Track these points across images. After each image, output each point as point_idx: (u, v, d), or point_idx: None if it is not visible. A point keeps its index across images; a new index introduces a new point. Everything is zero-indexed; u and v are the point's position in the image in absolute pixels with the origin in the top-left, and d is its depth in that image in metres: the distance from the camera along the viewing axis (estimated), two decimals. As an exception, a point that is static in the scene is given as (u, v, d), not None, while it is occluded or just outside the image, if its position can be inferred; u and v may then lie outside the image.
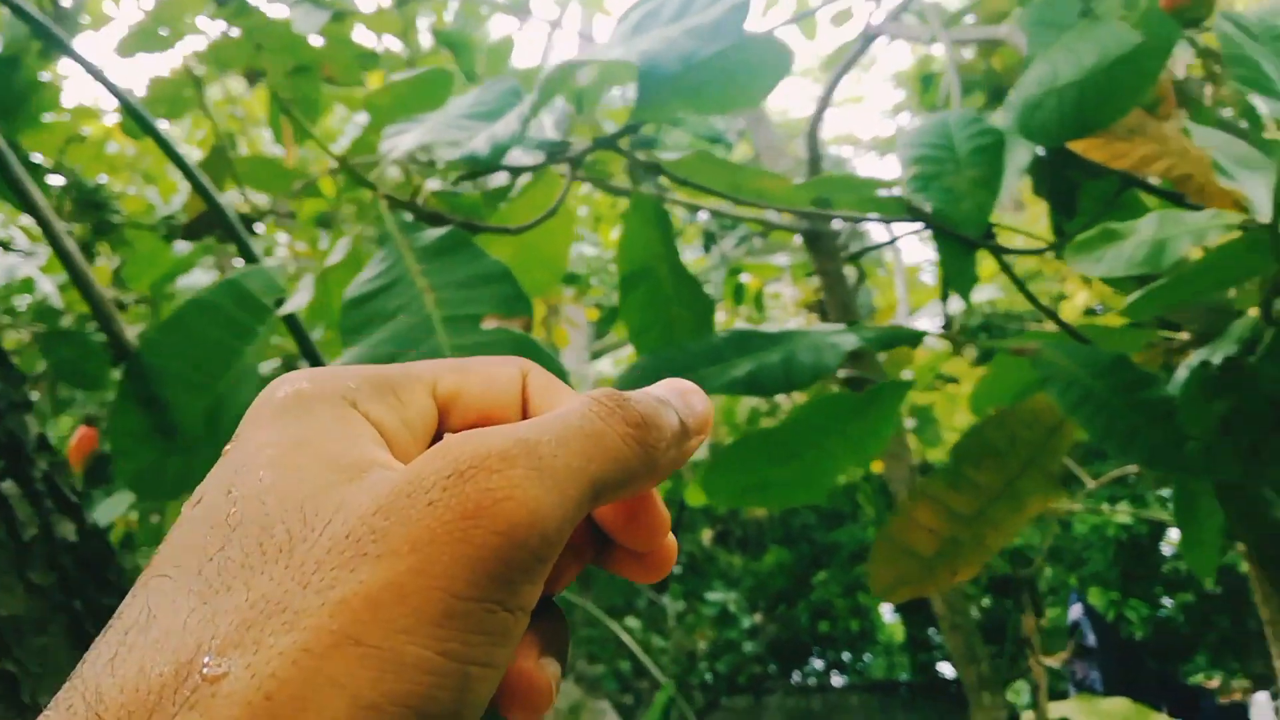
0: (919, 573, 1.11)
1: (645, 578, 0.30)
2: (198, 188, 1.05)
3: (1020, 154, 1.19)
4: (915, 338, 1.08)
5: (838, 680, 7.74)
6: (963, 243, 1.06)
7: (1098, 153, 1.09)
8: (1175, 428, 0.92)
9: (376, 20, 1.62)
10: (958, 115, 1.11)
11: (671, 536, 0.30)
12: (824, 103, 1.85)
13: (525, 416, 0.30)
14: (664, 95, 1.07)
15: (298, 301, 0.93)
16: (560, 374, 0.67)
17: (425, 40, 1.72)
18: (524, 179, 1.21)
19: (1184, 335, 1.18)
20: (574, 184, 1.14)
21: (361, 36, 1.58)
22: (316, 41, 1.43)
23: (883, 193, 1.16)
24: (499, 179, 1.14)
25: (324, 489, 0.24)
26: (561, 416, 0.26)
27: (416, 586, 0.22)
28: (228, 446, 0.27)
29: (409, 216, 0.96)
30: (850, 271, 2.14)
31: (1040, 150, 1.20)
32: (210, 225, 1.41)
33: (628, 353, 3.81)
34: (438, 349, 0.75)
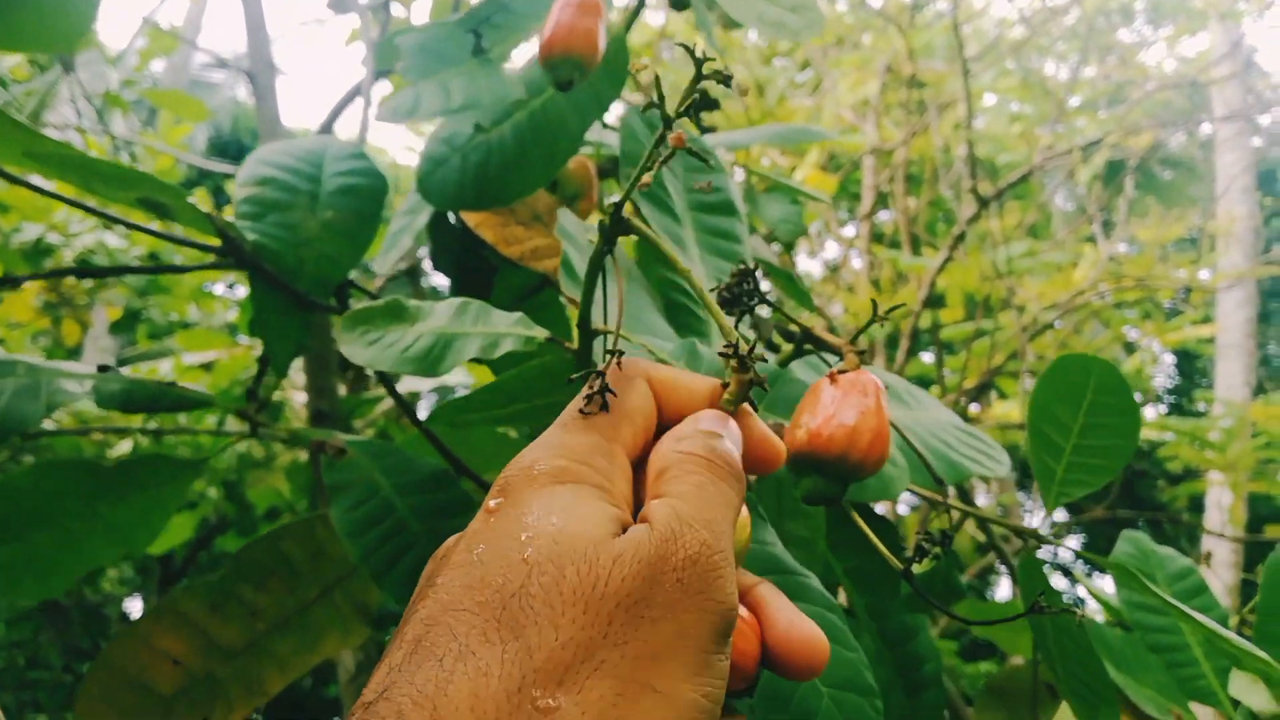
0: (153, 714, 0.83)
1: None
2: None
3: (423, 215, 1.00)
4: (196, 402, 0.83)
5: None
6: (290, 297, 0.83)
7: (490, 231, 0.92)
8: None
9: None
10: (339, 145, 0.90)
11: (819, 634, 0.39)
12: (331, 121, 1.61)
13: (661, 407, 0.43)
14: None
15: None
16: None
17: None
18: None
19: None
20: None
21: None
22: None
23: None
24: None
25: (603, 539, 0.34)
26: (700, 487, 0.37)
27: (683, 646, 0.32)
28: (493, 504, 0.36)
29: None
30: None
31: (454, 216, 1.02)
32: None
33: (157, 365, 3.25)
34: None
